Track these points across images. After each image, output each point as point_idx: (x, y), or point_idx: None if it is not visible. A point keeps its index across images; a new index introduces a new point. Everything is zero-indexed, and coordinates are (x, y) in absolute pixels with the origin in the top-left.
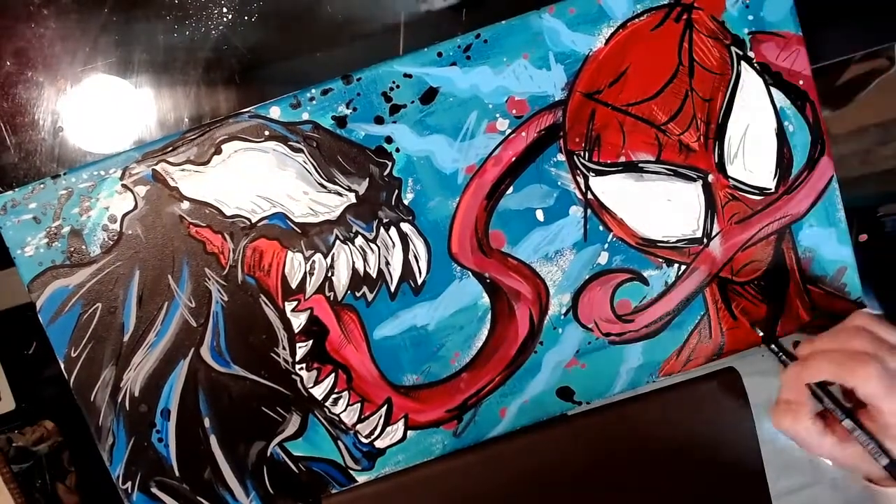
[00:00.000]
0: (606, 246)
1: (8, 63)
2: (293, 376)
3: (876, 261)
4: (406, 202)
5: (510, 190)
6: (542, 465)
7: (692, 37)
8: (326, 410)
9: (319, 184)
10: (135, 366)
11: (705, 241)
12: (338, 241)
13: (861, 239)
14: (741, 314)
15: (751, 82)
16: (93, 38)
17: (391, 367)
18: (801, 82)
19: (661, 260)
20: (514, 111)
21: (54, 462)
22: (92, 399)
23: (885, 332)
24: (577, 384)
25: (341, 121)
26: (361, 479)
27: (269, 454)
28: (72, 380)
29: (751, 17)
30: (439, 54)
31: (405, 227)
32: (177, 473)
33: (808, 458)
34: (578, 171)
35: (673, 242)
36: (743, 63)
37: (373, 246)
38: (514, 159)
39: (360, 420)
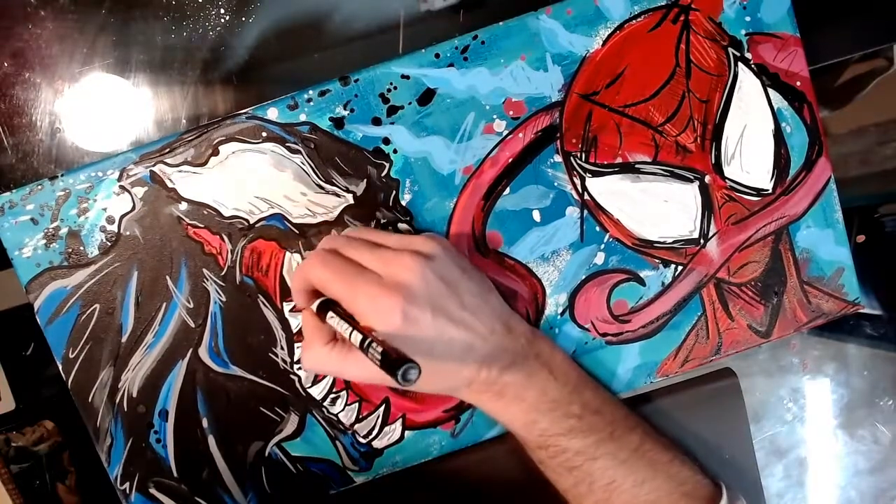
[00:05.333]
0: (603, 246)
1: (5, 64)
2: (291, 376)
3: (875, 261)
4: (404, 203)
5: (507, 191)
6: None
7: (689, 38)
8: (325, 410)
9: (317, 185)
10: (133, 366)
11: (702, 241)
12: None
13: (859, 240)
14: (738, 314)
15: (748, 83)
16: (90, 38)
17: None
18: (798, 83)
19: (657, 260)
20: (511, 112)
21: (54, 462)
22: (90, 400)
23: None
24: None
25: (339, 122)
26: (359, 479)
27: (267, 454)
28: (70, 381)
29: (748, 19)
30: (437, 56)
31: (403, 227)
32: (175, 474)
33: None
34: (575, 172)
35: (670, 243)
36: (740, 64)
37: None
38: (511, 160)
39: (357, 420)
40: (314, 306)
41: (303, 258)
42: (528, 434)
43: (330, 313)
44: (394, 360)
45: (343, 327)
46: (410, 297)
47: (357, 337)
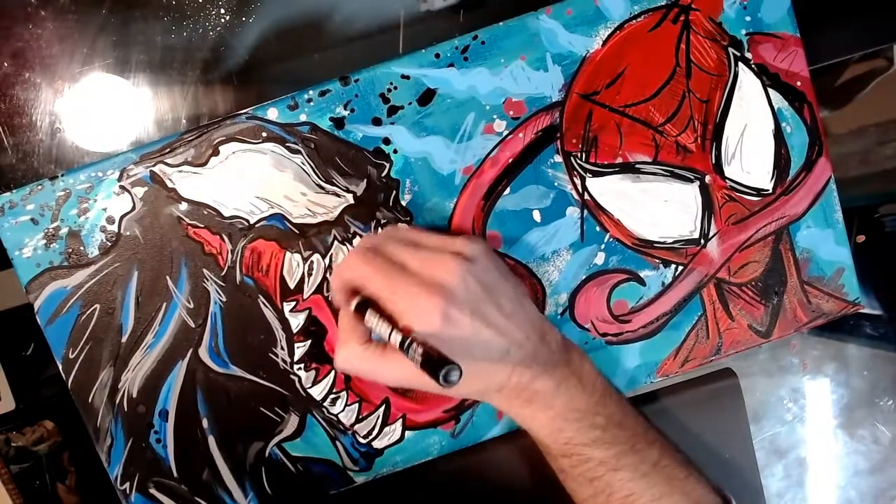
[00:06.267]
0: (603, 246)
1: (5, 64)
2: (291, 376)
3: (875, 261)
4: (404, 203)
5: (507, 191)
6: (539, 465)
7: (689, 38)
8: (325, 410)
9: (317, 185)
10: (133, 367)
11: (702, 241)
12: (336, 242)
13: (859, 240)
14: (738, 314)
15: (748, 83)
16: (91, 38)
17: None
18: (798, 83)
19: (657, 261)
20: (511, 112)
21: (54, 462)
22: (90, 400)
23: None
24: None
25: (339, 122)
26: (359, 479)
27: (267, 454)
28: (70, 381)
29: (748, 19)
30: (437, 56)
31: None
32: (175, 474)
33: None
34: (575, 172)
35: (670, 243)
36: (740, 64)
37: None
38: (511, 160)
39: (358, 420)
40: (352, 305)
41: (303, 258)
42: (552, 442)
43: (369, 313)
44: (436, 361)
45: (382, 327)
46: (451, 299)
47: (397, 337)
